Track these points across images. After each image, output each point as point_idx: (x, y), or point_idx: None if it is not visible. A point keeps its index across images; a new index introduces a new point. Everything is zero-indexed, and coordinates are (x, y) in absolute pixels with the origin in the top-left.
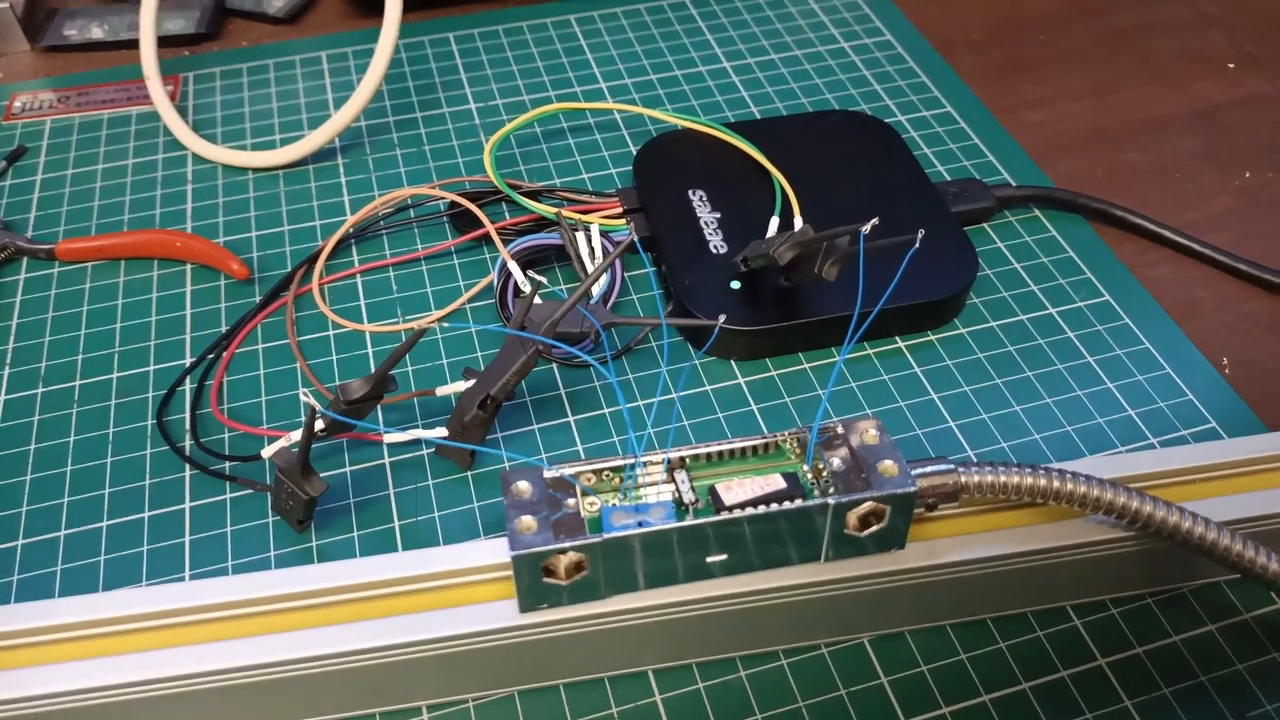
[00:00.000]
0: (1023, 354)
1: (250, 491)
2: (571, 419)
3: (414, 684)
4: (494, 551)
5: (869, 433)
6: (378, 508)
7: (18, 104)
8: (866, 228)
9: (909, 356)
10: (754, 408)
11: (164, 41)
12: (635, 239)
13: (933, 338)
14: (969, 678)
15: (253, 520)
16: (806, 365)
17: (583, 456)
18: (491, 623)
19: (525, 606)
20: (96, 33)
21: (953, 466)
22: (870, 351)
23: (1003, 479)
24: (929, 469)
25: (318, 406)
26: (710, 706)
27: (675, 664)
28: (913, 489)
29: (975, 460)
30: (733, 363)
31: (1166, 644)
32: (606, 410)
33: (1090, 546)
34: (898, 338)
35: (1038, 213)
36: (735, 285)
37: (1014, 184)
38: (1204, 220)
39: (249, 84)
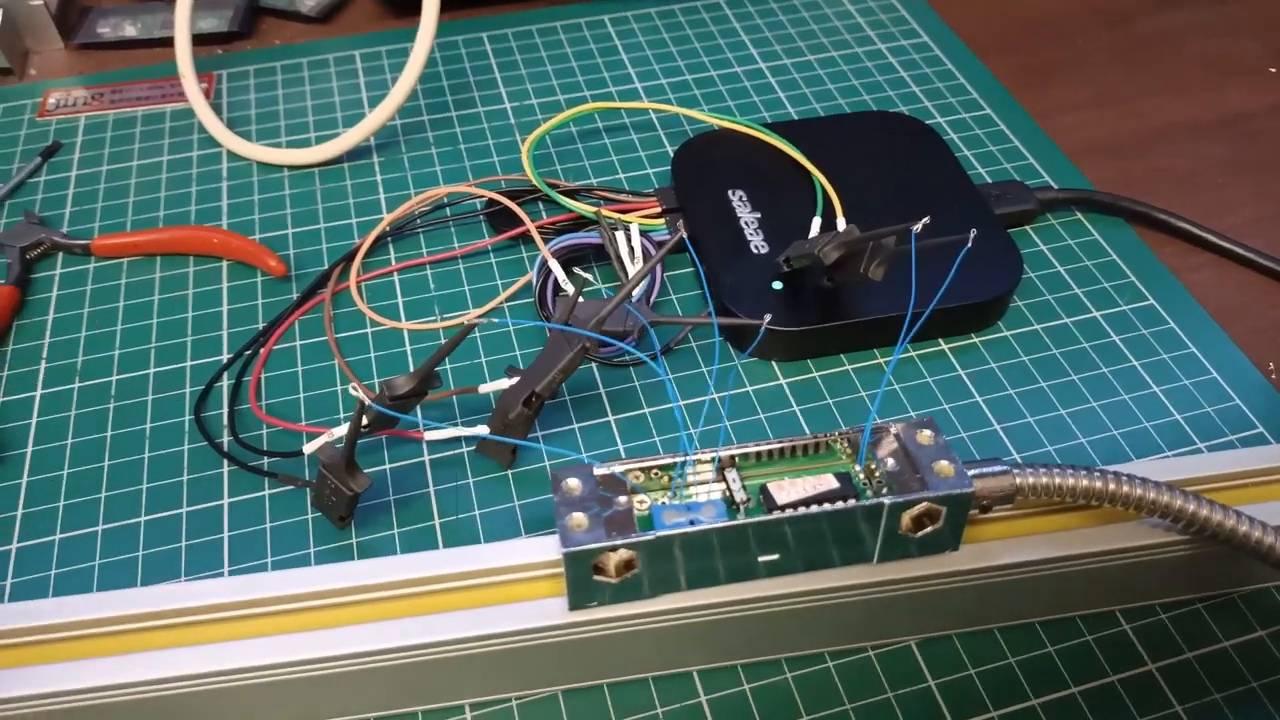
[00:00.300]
0: (1067, 357)
1: (289, 488)
2: (612, 418)
3: (457, 682)
4: (541, 549)
5: (923, 433)
6: (418, 505)
7: (52, 101)
8: (918, 226)
9: (953, 359)
10: (796, 409)
11: (197, 40)
12: (684, 235)
13: (976, 340)
14: (1018, 681)
15: (292, 516)
16: (849, 366)
17: (623, 456)
18: (539, 620)
19: (575, 604)
20: (130, 31)
21: (1008, 468)
22: (914, 354)
23: (1058, 481)
24: (984, 470)
25: (367, 400)
26: (756, 708)
27: (720, 665)
28: (970, 490)
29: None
30: (774, 363)
31: (1217, 649)
32: (647, 410)
33: (1143, 550)
34: (941, 340)
35: (1079, 215)
36: (777, 286)
37: (1055, 186)
38: (1239, 226)
39: (283, 82)
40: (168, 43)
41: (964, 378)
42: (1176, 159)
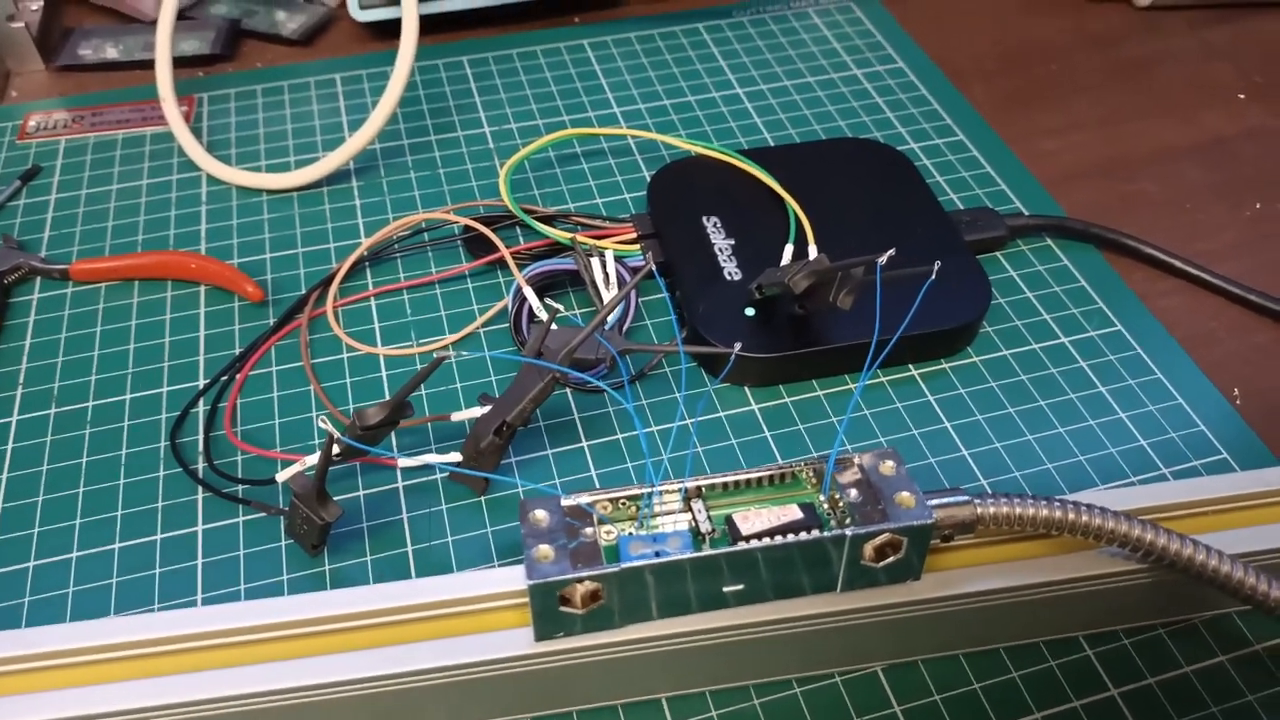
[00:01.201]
0: (1035, 383)
1: (263, 515)
2: (585, 444)
3: (427, 712)
4: (509, 579)
5: (885, 464)
6: (391, 532)
7: (32, 123)
8: (883, 259)
9: (922, 384)
10: (767, 434)
11: (179, 62)
12: (653, 266)
13: (946, 366)
14: (981, 707)
15: (266, 544)
16: (820, 392)
17: (596, 482)
18: (506, 650)
19: (541, 635)
20: (111, 53)
21: (969, 498)
22: (884, 379)
23: (1018, 511)
24: (945, 500)
25: (336, 433)
26: None
27: (689, 692)
28: (930, 521)
29: (989, 491)
30: (746, 389)
31: (1178, 675)
32: (620, 436)
33: (1104, 578)
34: (911, 366)
35: (1050, 242)
36: (749, 312)
37: (1026, 213)
38: (1214, 251)
39: (263, 105)
40: (149, 65)
41: (933, 403)
42: (1152, 184)
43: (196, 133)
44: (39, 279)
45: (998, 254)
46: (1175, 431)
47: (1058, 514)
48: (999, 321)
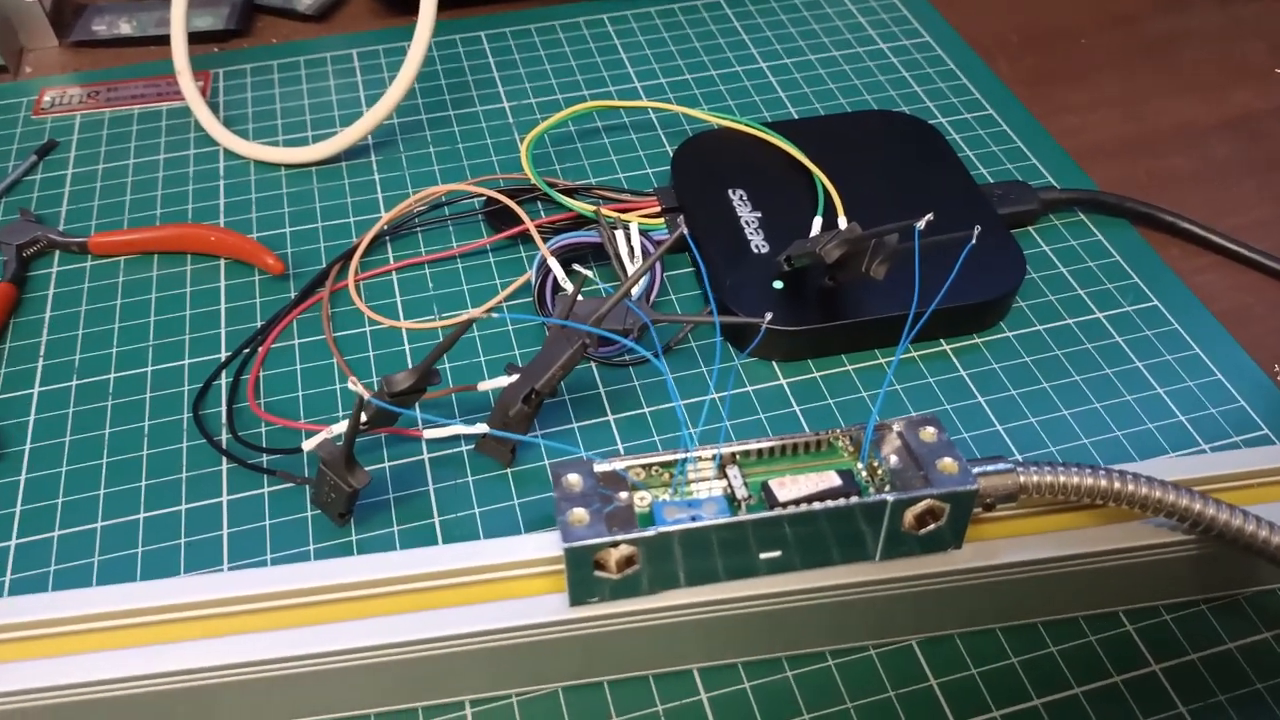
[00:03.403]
0: (1070, 358)
1: (288, 485)
2: (611, 418)
3: (458, 679)
4: (541, 545)
5: (926, 430)
6: (418, 503)
7: (47, 99)
8: (921, 223)
9: (954, 359)
10: (796, 409)
11: (193, 38)
12: (685, 233)
13: (978, 341)
14: (1020, 681)
15: (291, 514)
16: (850, 367)
17: (623, 454)
18: (540, 616)
19: (575, 599)
20: (125, 28)
21: (1012, 466)
22: (915, 354)
23: (1063, 479)
24: (988, 468)
25: (366, 395)
26: (756, 706)
27: (720, 663)
28: (974, 487)
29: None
30: (774, 363)
31: (1222, 650)
32: (647, 409)
33: (1148, 550)
34: (943, 341)
35: (1083, 216)
36: (778, 285)
37: (1058, 186)
38: (1246, 226)
39: (280, 81)
40: (163, 40)
41: (966, 378)
42: (1181, 160)
43: (213, 108)
44: (58, 252)
45: (1030, 228)
46: (1215, 407)
47: (1103, 483)
48: (1032, 296)
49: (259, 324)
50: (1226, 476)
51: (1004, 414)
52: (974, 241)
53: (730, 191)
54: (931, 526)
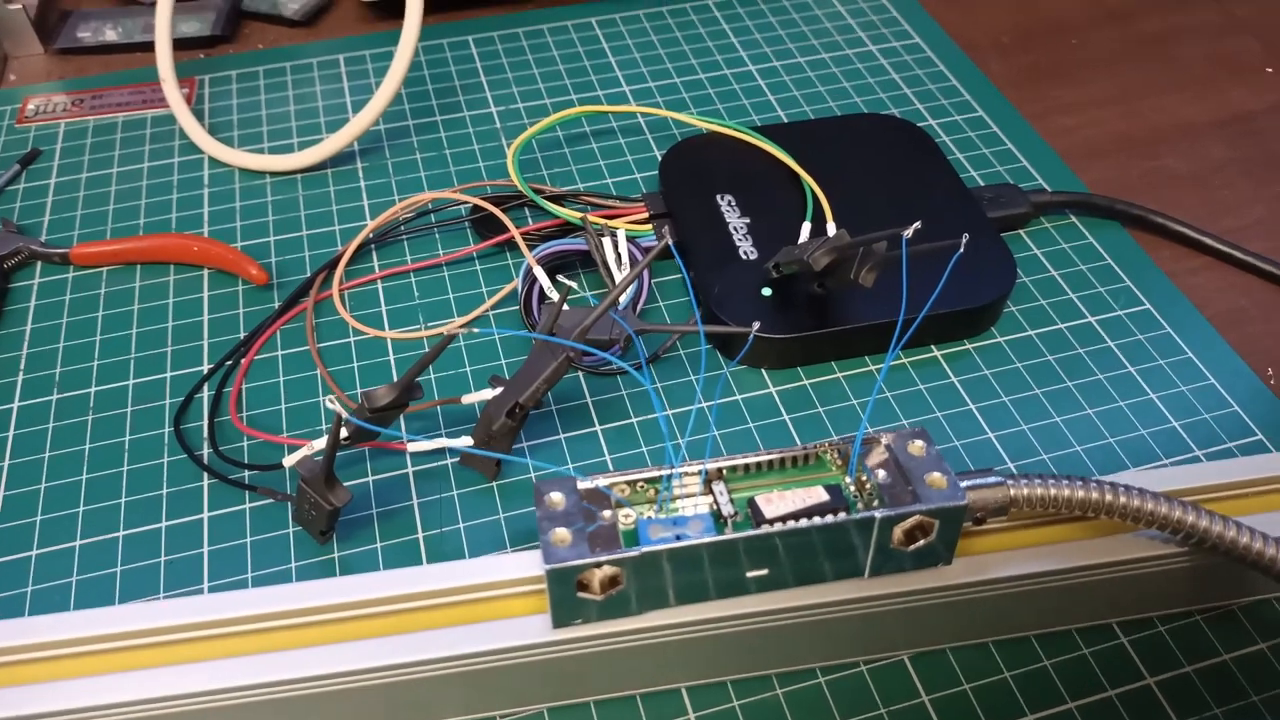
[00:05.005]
0: (1062, 363)
1: (270, 501)
2: (599, 428)
3: (440, 702)
4: (524, 565)
5: (914, 444)
6: (401, 519)
7: (31, 107)
8: (909, 231)
9: (945, 366)
10: (786, 418)
11: (179, 44)
12: (670, 242)
13: (970, 346)
14: (1013, 696)
15: (273, 531)
16: (839, 374)
17: (610, 467)
18: (523, 638)
19: (559, 621)
20: (110, 35)
21: (1001, 479)
22: (906, 361)
23: (1053, 492)
24: (977, 481)
25: (344, 413)
26: None
27: (709, 681)
28: (963, 502)
29: (1018, 472)
30: (763, 372)
31: (1217, 662)
32: (635, 419)
33: (1140, 562)
34: (934, 347)
35: (1074, 219)
36: (766, 292)
37: (1049, 189)
38: (1242, 228)
39: (265, 87)
40: (149, 47)
41: (957, 385)
42: (1175, 160)
43: (198, 115)
44: (39, 263)
45: (1021, 231)
46: (1208, 412)
47: (1094, 495)
48: (1024, 301)
49: (242, 335)
50: (1220, 486)
51: (995, 421)
52: (962, 249)
53: (719, 197)
54: (921, 542)
